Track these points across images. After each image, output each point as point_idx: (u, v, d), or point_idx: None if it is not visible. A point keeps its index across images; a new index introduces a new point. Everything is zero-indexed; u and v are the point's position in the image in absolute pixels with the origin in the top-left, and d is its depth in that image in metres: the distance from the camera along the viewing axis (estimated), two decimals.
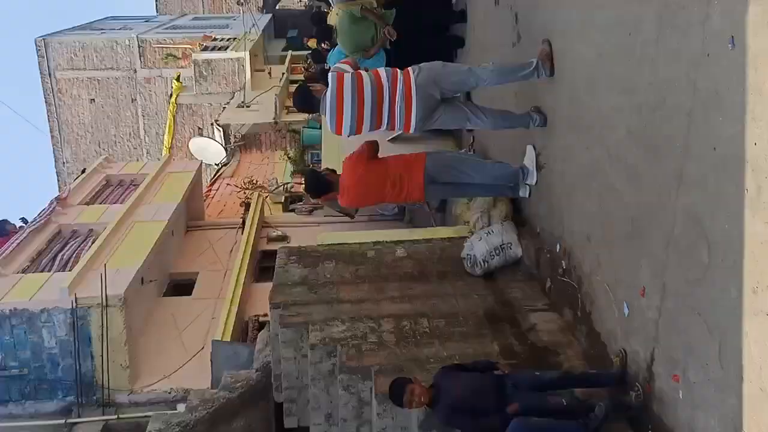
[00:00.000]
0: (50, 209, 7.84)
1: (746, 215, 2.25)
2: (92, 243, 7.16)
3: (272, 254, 6.15)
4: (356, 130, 4.21)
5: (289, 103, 14.63)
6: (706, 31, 2.44)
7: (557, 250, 4.22)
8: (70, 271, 6.56)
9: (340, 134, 4.27)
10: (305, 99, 4.37)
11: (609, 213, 3.43)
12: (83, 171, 10.14)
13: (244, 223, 8.55)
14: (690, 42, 2.55)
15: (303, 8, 22.57)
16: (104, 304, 5.98)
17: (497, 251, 4.72)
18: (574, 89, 3.87)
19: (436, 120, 4.27)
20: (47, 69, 17.78)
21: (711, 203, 2.47)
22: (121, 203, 8.43)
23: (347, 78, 4.10)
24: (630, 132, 3.13)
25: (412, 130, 4.26)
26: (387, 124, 4.23)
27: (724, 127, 2.35)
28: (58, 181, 18.79)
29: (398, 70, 4.19)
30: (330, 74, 4.21)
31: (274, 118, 13.89)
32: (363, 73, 4.17)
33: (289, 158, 13.02)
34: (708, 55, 2.43)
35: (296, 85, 4.67)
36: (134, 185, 9.21)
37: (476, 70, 4.30)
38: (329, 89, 4.14)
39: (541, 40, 4.28)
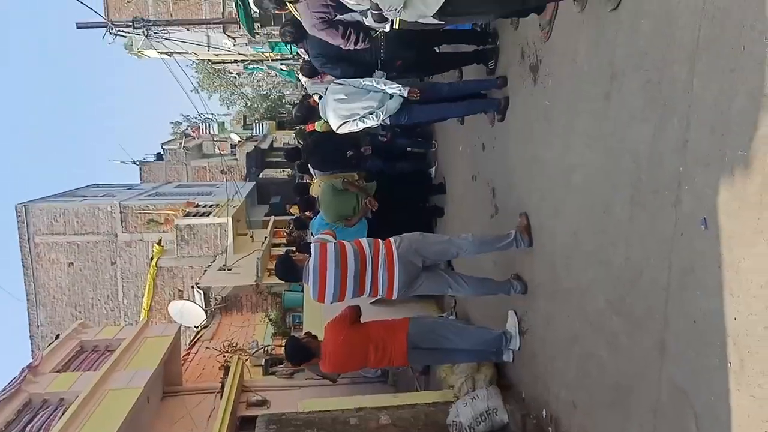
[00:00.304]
0: (21, 378, 7.51)
1: (731, 388, 2.25)
2: (63, 413, 6.79)
3: (252, 420, 5.88)
4: (339, 297, 4.22)
5: (271, 266, 14.78)
6: (678, 213, 2.57)
7: (543, 417, 4.12)
8: None
9: (323, 302, 4.27)
10: (287, 269, 4.39)
11: (593, 380, 3.41)
12: (57, 337, 9.86)
13: (223, 387, 8.24)
14: (663, 222, 2.68)
15: (286, 177, 23.60)
16: None
17: (483, 417, 4.58)
18: (552, 260, 4.00)
19: (417, 287, 4.34)
20: (26, 234, 17.95)
21: (695, 375, 2.48)
22: (95, 370, 8.12)
23: (330, 247, 4.19)
24: (609, 303, 3.19)
25: (394, 297, 4.32)
26: (369, 291, 4.28)
27: (703, 302, 2.41)
28: (32, 344, 18.20)
29: (380, 240, 4.32)
30: (313, 244, 4.31)
31: (255, 281, 13.94)
32: (346, 243, 4.27)
33: (270, 320, 12.88)
34: (681, 234, 2.54)
35: (278, 256, 4.75)
36: (110, 351, 8.93)
37: (456, 240, 4.45)
38: (312, 258, 4.20)
39: (518, 213, 4.51)
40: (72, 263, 18.22)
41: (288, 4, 4.55)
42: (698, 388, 2.45)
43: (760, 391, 2.12)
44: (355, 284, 4.19)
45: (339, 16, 4.44)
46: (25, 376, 7.52)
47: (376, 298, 6.30)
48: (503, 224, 5.00)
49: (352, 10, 4.20)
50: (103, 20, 13.20)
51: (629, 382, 3.01)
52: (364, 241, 4.35)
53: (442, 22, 3.47)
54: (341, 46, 4.65)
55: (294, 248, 11.70)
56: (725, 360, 2.27)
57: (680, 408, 2.56)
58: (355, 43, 4.60)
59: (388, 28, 3.85)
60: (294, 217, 9.39)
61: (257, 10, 13.29)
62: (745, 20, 2.17)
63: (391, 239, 4.32)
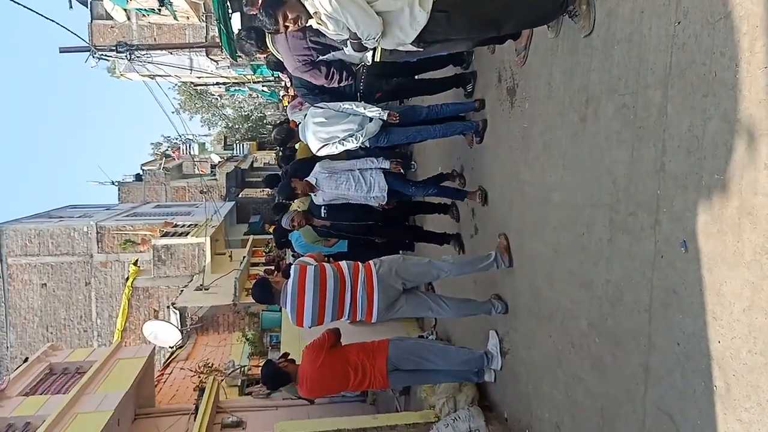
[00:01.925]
0: None
1: (717, 412, 2.25)
2: None
3: None
4: (317, 322, 4.18)
5: (249, 285, 14.63)
6: (657, 235, 2.59)
7: None
8: None
9: (301, 326, 4.22)
10: (265, 292, 4.33)
11: (577, 402, 3.40)
12: (25, 360, 9.63)
13: (197, 408, 8.09)
14: (643, 244, 2.70)
15: (266, 196, 23.52)
16: None
17: None
18: (533, 280, 4.01)
19: (397, 310, 4.32)
20: None
21: (680, 398, 2.47)
22: (64, 393, 7.93)
23: (310, 270, 4.15)
24: (591, 324, 3.20)
25: (373, 320, 4.28)
26: (348, 314, 4.24)
27: (686, 324, 2.42)
28: (0, 367, 17.72)
29: (360, 263, 4.30)
30: (293, 267, 4.26)
31: (233, 301, 13.79)
32: (326, 266, 4.24)
33: (248, 340, 12.73)
34: (662, 257, 2.56)
35: (256, 277, 4.72)
36: (80, 373, 8.74)
37: (436, 262, 4.44)
38: (291, 281, 4.15)
39: (498, 233, 4.53)
40: (45, 284, 17.87)
41: (270, 46, 4.57)
42: (684, 412, 2.44)
43: (747, 415, 2.12)
44: (334, 308, 4.15)
45: (321, 57, 4.46)
46: None
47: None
48: (483, 244, 5.01)
49: (336, 48, 4.22)
50: (87, 45, 13.12)
51: (614, 405, 3.00)
52: (344, 264, 4.31)
53: (421, 49, 3.50)
54: (324, 85, 4.69)
55: (273, 267, 11.59)
56: (711, 383, 2.27)
57: (666, 431, 2.55)
58: (339, 82, 4.64)
59: (369, 60, 3.87)
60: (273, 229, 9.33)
61: (240, 52, 13.37)
62: (714, 47, 2.21)
63: (371, 262, 4.29)
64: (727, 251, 2.20)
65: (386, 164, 5.17)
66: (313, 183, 5.15)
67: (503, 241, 4.43)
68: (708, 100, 2.25)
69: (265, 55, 5.00)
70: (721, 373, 2.23)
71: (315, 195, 5.27)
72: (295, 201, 7.37)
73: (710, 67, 2.23)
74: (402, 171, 5.30)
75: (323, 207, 5.47)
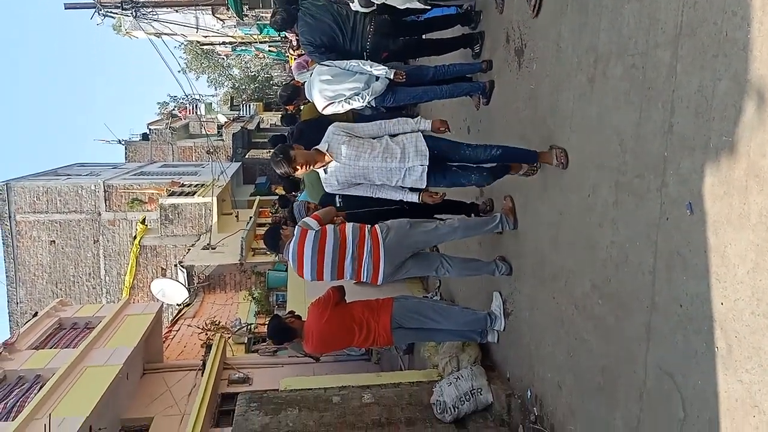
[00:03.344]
0: None
1: (719, 373, 2.28)
2: (39, 390, 6.75)
3: (233, 397, 5.90)
4: (317, 278, 4.28)
5: (256, 245, 14.74)
6: (663, 197, 2.59)
7: (528, 397, 4.16)
8: (13, 420, 6.11)
9: (302, 277, 4.34)
10: (273, 240, 4.48)
11: (579, 362, 3.44)
12: (35, 314, 9.79)
13: (204, 364, 8.24)
14: (648, 206, 2.70)
15: None
16: None
17: (467, 396, 4.62)
18: (537, 242, 4.02)
19: (403, 273, 4.37)
20: (7, 212, 17.73)
21: (682, 359, 2.50)
22: (73, 347, 8.08)
23: (309, 235, 4.20)
24: (595, 286, 3.22)
25: (379, 283, 4.33)
26: (351, 276, 4.30)
27: (689, 286, 2.43)
28: (10, 322, 18.06)
29: (366, 228, 4.31)
30: (297, 227, 4.32)
31: (239, 260, 13.91)
32: (328, 229, 4.25)
33: (254, 298, 12.88)
34: (667, 219, 2.56)
35: (267, 226, 4.77)
36: (89, 328, 8.88)
37: (442, 227, 4.45)
38: (292, 242, 4.24)
39: (503, 195, 4.52)
40: (54, 241, 18.04)
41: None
42: (685, 372, 2.48)
43: (748, 375, 2.14)
44: (332, 270, 4.22)
45: None
46: (0, 352, 7.46)
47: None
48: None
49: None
50: (92, 1, 12.94)
51: (616, 365, 3.04)
52: (349, 227, 4.32)
53: (429, 7, 3.46)
54: None
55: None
56: (712, 344, 2.30)
57: (667, 392, 2.59)
58: None
59: (379, 1, 3.82)
60: (279, 196, 9.36)
61: None
62: (726, 6, 2.17)
63: (378, 228, 4.30)
64: (732, 213, 2.20)
65: (427, 125, 3.88)
66: (325, 149, 3.78)
67: (508, 203, 4.43)
68: (718, 61, 2.22)
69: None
70: (723, 334, 2.25)
71: (326, 173, 3.86)
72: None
73: (721, 26, 2.19)
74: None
75: (338, 197, 5.07)
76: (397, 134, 3.85)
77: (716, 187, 2.28)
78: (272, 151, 3.69)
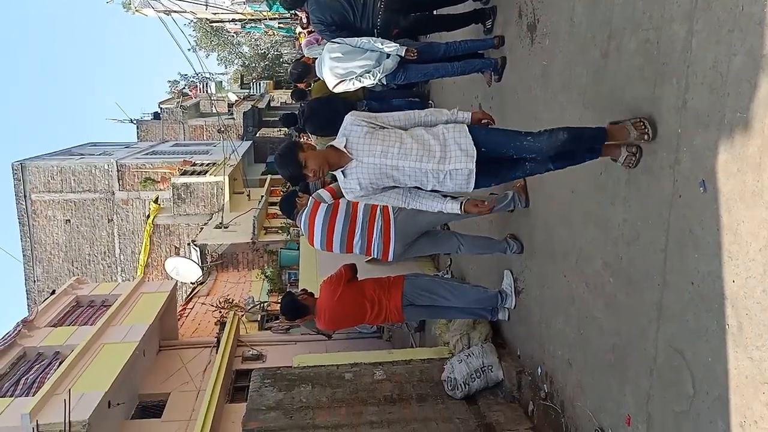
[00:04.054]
0: (15, 331, 7.60)
1: (729, 350, 2.28)
2: (58, 366, 6.89)
3: (247, 374, 5.99)
4: (326, 247, 4.42)
5: (268, 224, 14.81)
6: (676, 174, 2.58)
7: (539, 374, 4.19)
8: (33, 395, 6.26)
9: (312, 246, 4.51)
10: (289, 207, 4.61)
11: (589, 339, 3.45)
12: (53, 292, 9.95)
13: (218, 342, 8.37)
14: (661, 183, 2.68)
15: (282, 136, 23.47)
16: (67, 430, 5.65)
17: (478, 374, 4.66)
18: (549, 220, 4.02)
19: (415, 251, 4.42)
20: (23, 191, 17.91)
21: (692, 336, 2.50)
22: (91, 325, 8.22)
23: (321, 208, 4.30)
24: (606, 264, 3.21)
25: (390, 260, 4.38)
26: (361, 251, 4.37)
27: (701, 264, 2.43)
28: (28, 300, 18.35)
29: (378, 205, 4.33)
30: (310, 199, 4.42)
31: (252, 239, 14.00)
32: (341, 203, 4.32)
33: (266, 277, 12.99)
34: (680, 196, 2.55)
35: (284, 193, 4.87)
36: (106, 306, 9.03)
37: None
38: (304, 213, 4.37)
39: None
40: (69, 220, 18.23)
41: None
42: (696, 350, 2.48)
43: (758, 353, 2.14)
44: (342, 243, 4.36)
45: None
46: (19, 330, 7.61)
47: (371, 257, 6.38)
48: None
49: None
50: None
51: (626, 342, 3.05)
52: (361, 203, 4.36)
53: None
54: None
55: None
56: (723, 322, 2.30)
57: (677, 369, 2.60)
58: None
59: None
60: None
61: None
62: None
63: (390, 206, 4.33)
64: (746, 191, 2.18)
65: (466, 117, 3.08)
66: (342, 145, 3.00)
67: (521, 180, 4.42)
68: (734, 35, 2.19)
69: None
70: (734, 311, 2.25)
71: (345, 176, 3.06)
72: (311, 142, 7.35)
73: (738, 0, 2.16)
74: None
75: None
76: (434, 125, 3.06)
77: (730, 164, 2.26)
78: (277, 152, 3.01)
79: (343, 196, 4.35)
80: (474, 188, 3.00)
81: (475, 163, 2.91)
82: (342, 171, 3.02)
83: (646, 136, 2.76)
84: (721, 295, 2.31)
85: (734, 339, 2.25)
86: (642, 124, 2.77)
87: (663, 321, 2.71)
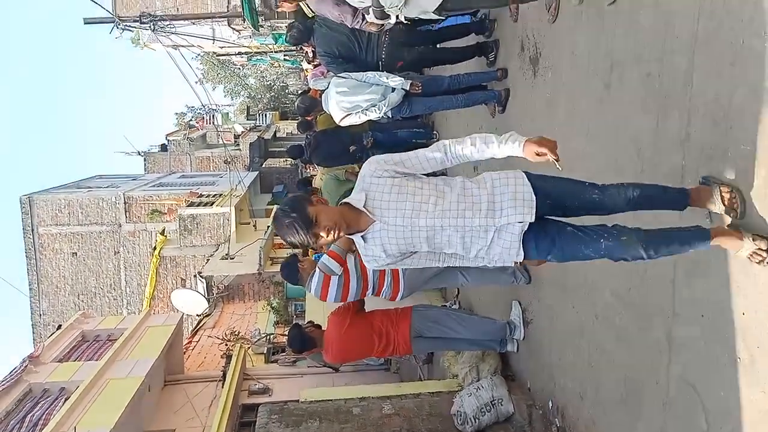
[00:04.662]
0: (21, 367, 7.55)
1: (741, 383, 2.25)
2: (64, 402, 6.83)
3: (254, 408, 5.93)
4: (341, 301, 4.44)
5: (274, 254, 14.80)
6: None
7: (550, 407, 4.13)
8: None
9: (325, 301, 4.44)
10: (291, 275, 4.51)
11: (600, 372, 3.41)
12: (59, 327, 9.92)
13: (224, 375, 8.28)
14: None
15: (288, 166, 23.61)
16: None
17: (488, 407, 4.60)
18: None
19: (421, 289, 4.47)
20: (30, 225, 18.01)
21: (704, 369, 2.47)
22: (96, 359, 8.16)
23: (333, 282, 4.25)
24: (616, 296, 3.19)
25: (397, 301, 4.41)
26: (372, 294, 4.39)
27: (711, 296, 2.41)
28: (33, 334, 18.32)
29: None
30: (317, 270, 4.30)
31: (258, 270, 13.97)
32: (350, 267, 4.26)
33: (273, 308, 12.94)
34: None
35: (284, 260, 4.76)
36: (111, 340, 8.98)
37: None
38: (314, 283, 4.29)
39: None
40: (75, 253, 18.27)
41: None
42: (708, 383, 2.45)
43: None
44: (356, 297, 4.39)
45: None
46: (25, 366, 7.57)
47: None
48: None
49: None
50: (111, 16, 13.16)
51: (638, 376, 3.01)
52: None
53: (443, 17, 3.49)
54: (347, 22, 4.68)
55: None
56: (735, 355, 2.27)
57: (690, 403, 2.57)
58: (360, 21, 4.64)
59: (393, 20, 3.85)
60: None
61: (260, 2, 13.28)
62: (743, 13, 2.15)
63: None
64: (753, 222, 2.17)
65: (516, 148, 2.37)
66: (361, 204, 2.34)
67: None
68: (735, 69, 2.21)
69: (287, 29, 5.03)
70: (745, 345, 2.22)
71: (366, 241, 2.43)
72: (317, 175, 7.41)
73: (738, 33, 2.18)
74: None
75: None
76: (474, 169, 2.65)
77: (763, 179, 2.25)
78: (280, 208, 2.32)
79: (349, 251, 4.34)
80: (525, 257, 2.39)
81: (533, 215, 2.29)
82: (362, 235, 2.39)
83: (733, 213, 2.24)
84: (732, 328, 2.28)
85: (746, 372, 2.22)
86: (732, 194, 2.24)
87: (674, 354, 2.68)
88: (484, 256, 2.40)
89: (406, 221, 2.32)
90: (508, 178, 2.39)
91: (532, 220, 2.30)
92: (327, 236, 2.26)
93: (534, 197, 2.32)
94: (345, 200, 2.39)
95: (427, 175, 2.43)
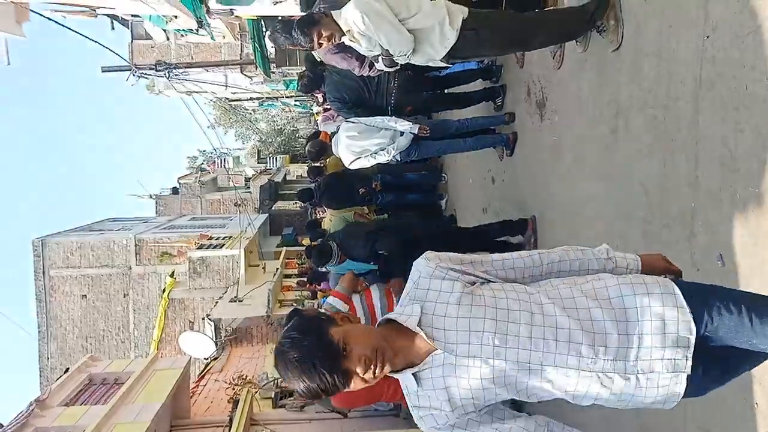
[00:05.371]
0: (28, 411, 7.50)
1: (759, 430, 2.22)
2: None
3: None
4: None
5: (282, 297, 14.78)
6: (693, 248, 2.57)
7: None
8: None
9: None
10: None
11: (620, 422, 3.35)
12: (66, 370, 9.87)
13: (231, 421, 8.17)
14: (678, 256, 2.62)
15: (298, 209, 23.78)
16: None
17: None
18: None
19: None
20: (41, 267, 18.11)
21: (722, 416, 2.44)
22: (103, 403, 8.09)
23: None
24: None
25: None
26: None
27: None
28: (41, 377, 18.21)
29: (394, 297, 4.25)
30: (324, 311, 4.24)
31: (266, 312, 13.94)
32: (357, 306, 4.17)
33: None
34: (698, 269, 2.53)
35: (289, 311, 4.68)
36: (118, 384, 8.91)
37: None
38: None
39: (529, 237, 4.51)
40: (85, 295, 18.31)
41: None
42: (726, 430, 2.41)
43: None
44: None
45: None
46: (32, 410, 7.51)
47: None
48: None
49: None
50: (128, 64, 13.50)
51: (656, 425, 2.95)
52: (375, 296, 4.26)
53: (450, 65, 3.57)
54: (355, 71, 4.78)
55: (306, 279, 11.72)
56: (752, 400, 2.24)
57: None
58: (369, 68, 4.73)
59: (402, 61, 3.97)
60: (306, 247, 9.42)
61: (272, 50, 13.61)
62: (744, 61, 2.19)
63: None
64: (764, 265, 2.17)
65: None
66: (415, 322, 1.53)
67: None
68: (740, 113, 2.23)
69: (296, 48, 5.12)
70: (762, 390, 2.19)
71: (420, 383, 1.56)
72: (326, 217, 7.46)
73: (741, 80, 2.21)
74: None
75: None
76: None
77: (746, 238, 2.26)
78: (284, 335, 1.55)
79: (354, 292, 4.24)
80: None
81: (690, 359, 1.48)
82: (414, 372, 1.54)
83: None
84: (748, 373, 2.25)
85: (764, 418, 2.18)
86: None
87: (691, 401, 2.63)
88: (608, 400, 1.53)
89: (486, 351, 1.47)
90: (649, 287, 1.53)
91: (688, 371, 1.49)
92: (364, 372, 1.45)
93: (694, 333, 1.48)
94: (388, 315, 1.60)
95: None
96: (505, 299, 1.53)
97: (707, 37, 2.39)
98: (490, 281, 1.61)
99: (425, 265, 1.60)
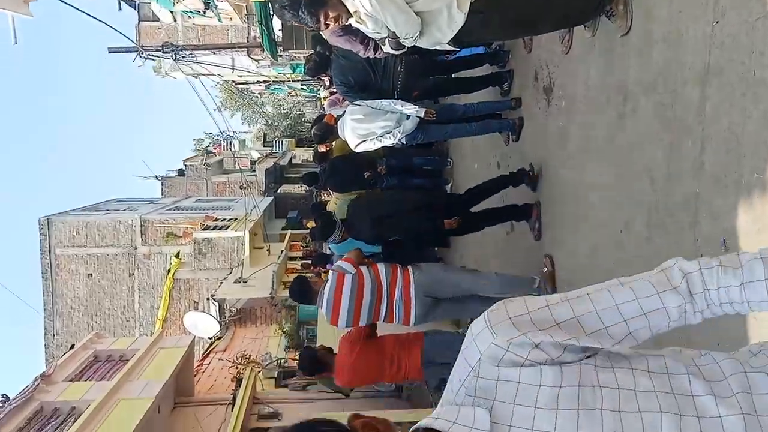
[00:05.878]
0: (33, 386, 7.60)
1: None
2: (74, 422, 6.85)
3: None
4: (352, 324, 4.26)
5: (287, 279, 14.85)
6: (697, 234, 2.58)
7: None
8: None
9: (336, 326, 4.31)
10: (303, 292, 4.44)
11: None
12: (72, 347, 9.98)
13: (234, 399, 8.26)
14: (681, 243, 2.68)
15: (303, 192, 23.80)
16: None
17: None
18: (571, 279, 3.99)
19: (436, 315, 4.37)
20: (47, 246, 18.22)
21: None
22: (108, 380, 8.19)
23: (348, 280, 4.17)
24: None
25: (411, 325, 4.34)
26: (384, 318, 4.31)
27: (730, 329, 2.39)
28: (46, 353, 18.40)
29: (398, 267, 4.30)
30: (331, 272, 4.28)
31: (270, 294, 14.02)
32: (364, 273, 4.22)
33: (284, 333, 12.94)
34: (701, 256, 2.52)
35: (295, 277, 4.72)
36: (123, 361, 9.01)
37: (479, 277, 4.42)
38: (328, 286, 4.20)
39: (543, 254, 4.45)
40: (91, 274, 18.44)
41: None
42: None
43: None
44: (369, 314, 4.23)
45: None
46: (37, 384, 7.61)
47: None
48: (518, 242, 5.00)
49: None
50: (134, 45, 13.47)
51: None
52: (381, 268, 4.30)
53: (458, 48, 3.56)
54: (360, 53, 4.76)
55: (310, 262, 11.77)
56: None
57: None
58: (374, 50, 4.71)
59: (409, 44, 3.96)
60: (310, 230, 9.46)
61: (279, 33, 13.54)
62: (753, 46, 2.19)
63: (410, 269, 4.30)
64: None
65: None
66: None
67: (549, 266, 4.36)
68: (747, 99, 2.23)
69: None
70: None
71: None
72: (332, 200, 7.47)
73: (749, 66, 2.21)
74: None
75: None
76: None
77: (749, 225, 2.27)
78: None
79: (363, 261, 4.30)
80: None
81: None
82: None
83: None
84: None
85: None
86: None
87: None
88: None
89: None
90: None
91: None
92: None
93: None
94: (423, 424, 1.09)
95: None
96: (633, 391, 0.94)
97: (716, 22, 2.38)
98: (569, 361, 0.98)
99: (490, 341, 0.99)
